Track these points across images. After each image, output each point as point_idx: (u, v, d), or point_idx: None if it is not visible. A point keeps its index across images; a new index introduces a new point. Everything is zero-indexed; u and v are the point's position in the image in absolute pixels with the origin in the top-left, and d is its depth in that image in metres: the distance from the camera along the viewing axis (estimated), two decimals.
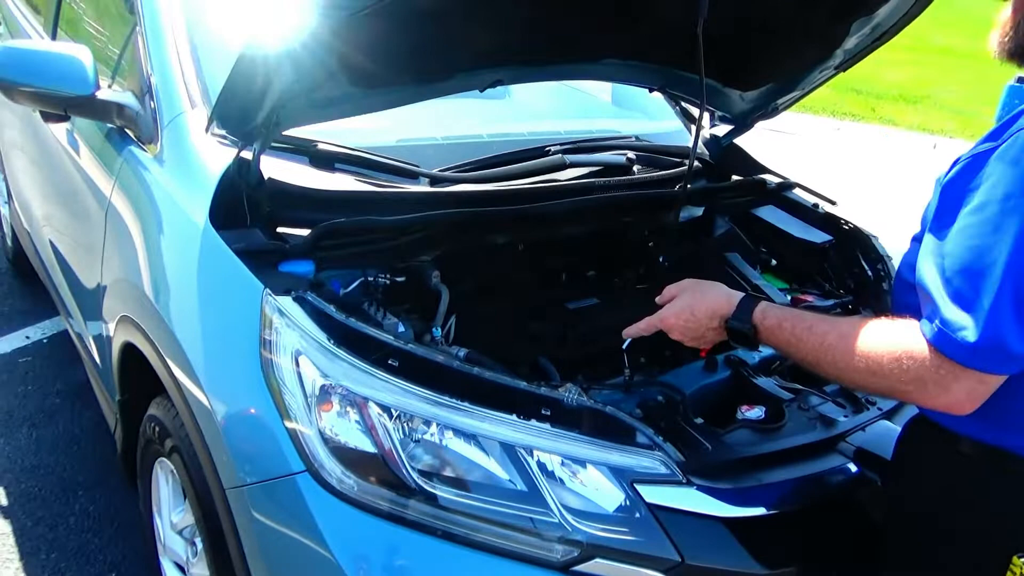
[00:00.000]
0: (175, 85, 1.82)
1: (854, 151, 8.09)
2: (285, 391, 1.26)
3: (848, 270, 2.15)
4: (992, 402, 1.04)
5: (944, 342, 0.99)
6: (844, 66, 2.18)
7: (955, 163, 1.05)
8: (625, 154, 2.17)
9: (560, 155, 1.99)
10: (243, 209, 1.57)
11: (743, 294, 1.33)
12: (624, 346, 1.77)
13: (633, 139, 2.35)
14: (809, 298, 1.97)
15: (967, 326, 0.96)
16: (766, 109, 2.35)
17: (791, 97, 2.31)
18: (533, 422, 1.25)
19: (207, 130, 1.62)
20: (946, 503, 1.16)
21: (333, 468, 1.22)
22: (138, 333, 1.64)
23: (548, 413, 1.26)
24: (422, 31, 1.48)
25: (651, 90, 2.19)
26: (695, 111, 2.58)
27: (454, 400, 1.25)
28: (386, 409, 1.23)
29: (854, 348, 1.09)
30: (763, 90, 2.25)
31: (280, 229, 1.63)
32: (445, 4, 1.43)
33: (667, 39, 1.83)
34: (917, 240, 1.19)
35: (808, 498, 1.34)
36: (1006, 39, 1.07)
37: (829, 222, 2.23)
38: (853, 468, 1.39)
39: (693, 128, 2.59)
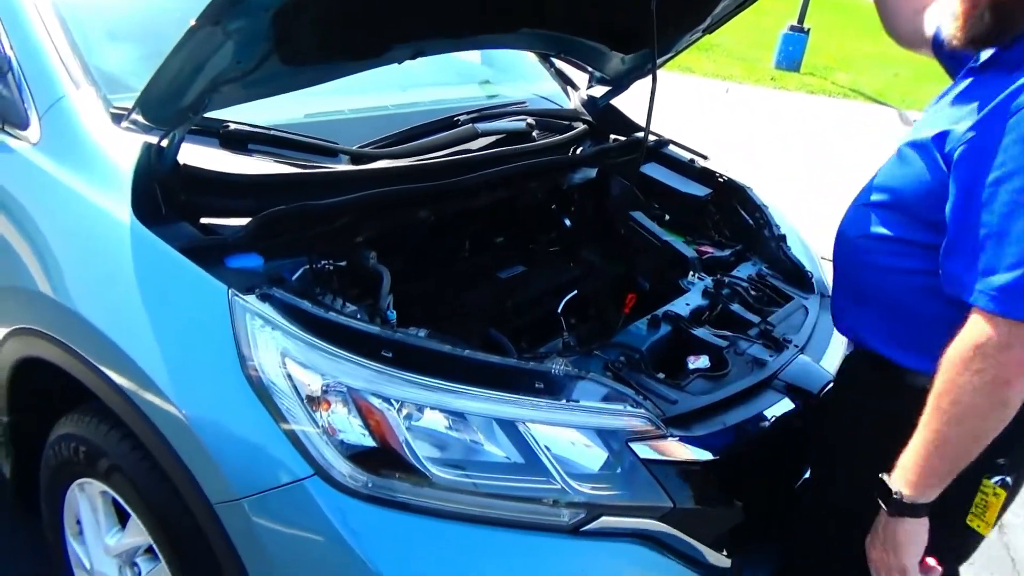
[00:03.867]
0: (50, 64, 1.60)
1: (665, 98, 8.63)
2: (277, 394, 1.20)
3: (728, 220, 2.35)
4: (925, 334, 1.20)
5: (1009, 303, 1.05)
6: (711, 29, 2.35)
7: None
8: (525, 120, 2.22)
9: (471, 125, 2.00)
10: (157, 200, 1.45)
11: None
12: (559, 309, 1.85)
13: (524, 104, 2.39)
14: (708, 249, 2.14)
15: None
16: (642, 71, 2.48)
17: (665, 59, 2.46)
18: (529, 397, 1.29)
19: (126, 119, 1.45)
20: (902, 432, 1.27)
21: (343, 467, 1.19)
22: (51, 346, 1.47)
23: (541, 386, 1.31)
24: (357, 6, 1.42)
25: (549, 56, 2.23)
26: (573, 73, 2.68)
27: (452, 383, 1.26)
28: (387, 400, 1.22)
29: (943, 395, 1.12)
30: (642, 52, 2.37)
31: (203, 220, 1.52)
32: None
33: (578, 10, 1.88)
34: (867, 205, 1.35)
35: (760, 433, 1.50)
36: (962, 31, 1.22)
37: (705, 176, 2.41)
38: (788, 401, 1.57)
39: (571, 91, 2.68)
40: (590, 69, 2.51)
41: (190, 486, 1.26)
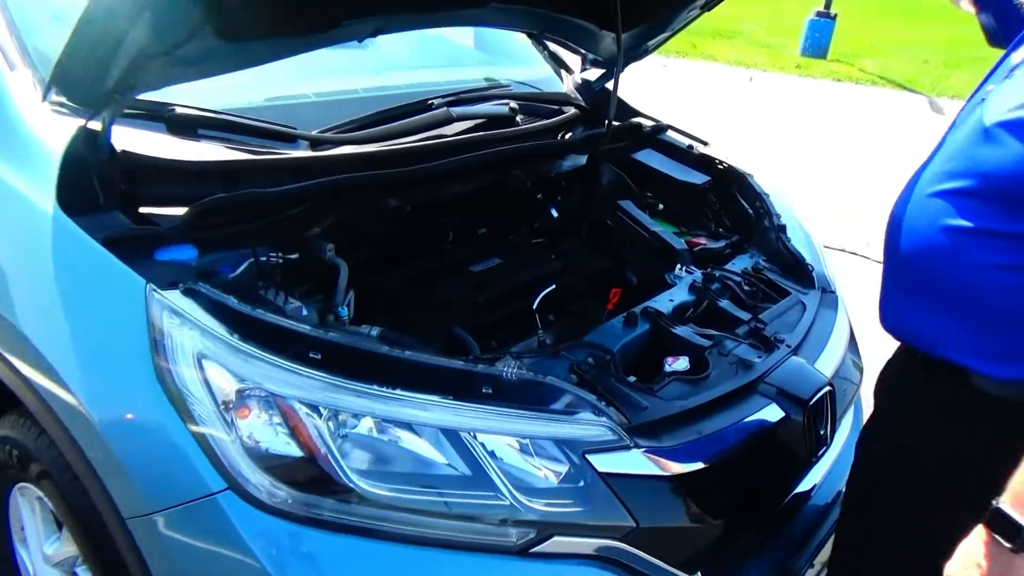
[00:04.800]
0: None
1: (686, 87, 8.43)
2: (191, 400, 1.09)
3: (727, 209, 2.20)
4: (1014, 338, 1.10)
5: None
6: (709, 5, 2.19)
7: None
8: (508, 104, 2.09)
9: (445, 109, 1.87)
10: (93, 189, 1.34)
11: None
12: (533, 305, 1.73)
13: (509, 87, 2.26)
14: (702, 240, 2.00)
15: None
16: (637, 51, 2.33)
17: (660, 38, 2.31)
18: (475, 404, 1.17)
19: (44, 98, 1.35)
20: (962, 436, 1.19)
21: (260, 481, 1.08)
22: None
23: (489, 391, 1.19)
24: None
25: (531, 35, 2.09)
26: (566, 55, 2.54)
27: (388, 389, 1.14)
28: (313, 408, 1.10)
29: None
30: (635, 32, 2.23)
31: (142, 210, 1.41)
32: None
33: None
34: (944, 193, 1.20)
35: (741, 443, 1.36)
36: None
37: (704, 162, 2.27)
38: (775, 407, 1.43)
39: (564, 74, 2.55)
40: (582, 51, 2.38)
41: (103, 498, 1.16)
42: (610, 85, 2.25)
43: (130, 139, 1.45)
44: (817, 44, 10.78)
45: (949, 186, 1.19)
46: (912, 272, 1.27)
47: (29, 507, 1.54)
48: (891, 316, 1.35)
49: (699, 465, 1.28)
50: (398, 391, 1.14)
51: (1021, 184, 1.09)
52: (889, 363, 1.46)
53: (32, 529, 1.56)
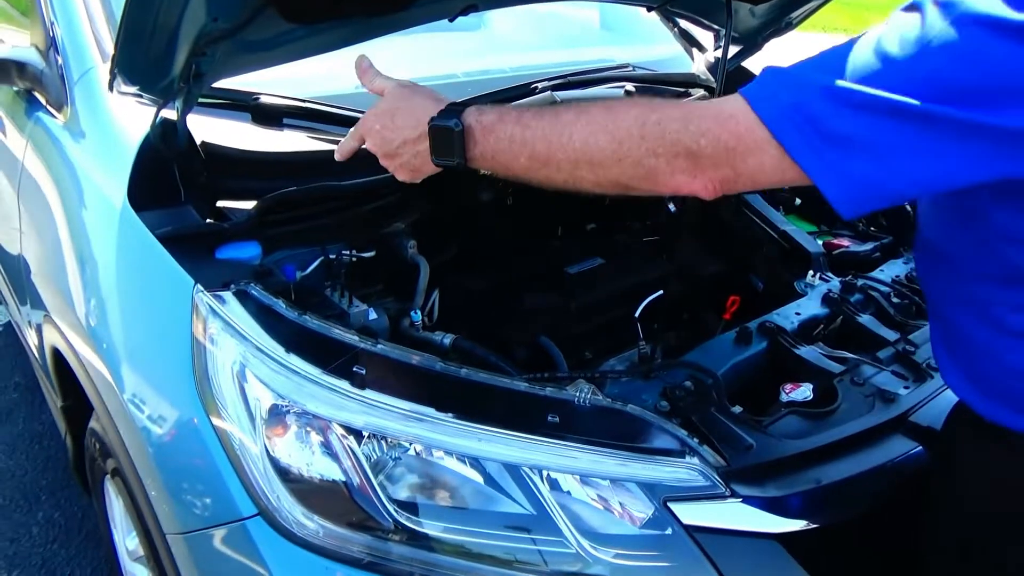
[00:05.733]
0: (83, 34, 1.51)
1: None
2: (225, 414, 1.01)
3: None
4: None
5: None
6: None
7: None
8: (623, 86, 1.89)
9: (549, 92, 1.71)
10: (174, 182, 1.30)
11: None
12: (636, 313, 1.53)
13: (630, 68, 2.05)
14: (844, 242, 1.72)
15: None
16: (779, 24, 2.05)
17: (807, 8, 2.02)
18: (535, 435, 1.00)
19: (111, 87, 1.32)
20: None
21: (291, 509, 0.97)
22: (60, 338, 1.38)
23: (556, 420, 1.02)
24: None
25: (648, 8, 1.88)
26: (697, 32, 2.29)
27: (439, 414, 1.00)
28: (354, 432, 0.98)
29: (601, 116, 0.88)
30: (775, 2, 1.95)
31: (220, 203, 1.36)
32: None
33: None
34: None
35: (875, 496, 1.11)
36: None
37: None
38: (923, 452, 1.16)
39: (696, 52, 2.30)
40: (715, 26, 2.13)
41: (148, 507, 1.11)
42: (719, 56, 2.00)
43: (214, 129, 1.41)
44: None
45: None
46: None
47: (115, 499, 1.54)
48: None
49: (816, 522, 1.05)
50: (449, 416, 1.00)
51: None
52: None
53: (119, 522, 1.57)
